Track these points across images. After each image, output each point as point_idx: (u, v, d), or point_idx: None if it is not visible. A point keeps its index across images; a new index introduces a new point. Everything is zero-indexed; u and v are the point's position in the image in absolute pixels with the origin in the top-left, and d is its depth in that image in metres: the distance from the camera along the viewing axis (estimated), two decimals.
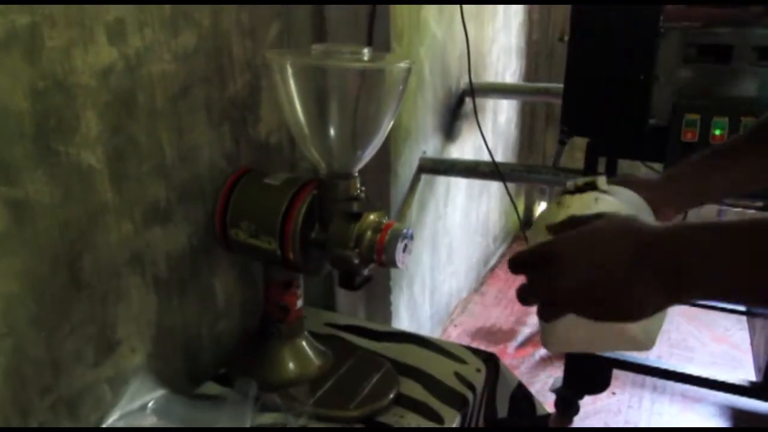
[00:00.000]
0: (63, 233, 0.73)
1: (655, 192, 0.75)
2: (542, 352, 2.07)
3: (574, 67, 1.44)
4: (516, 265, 0.59)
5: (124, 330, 0.83)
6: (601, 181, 0.73)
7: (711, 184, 0.76)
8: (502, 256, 2.74)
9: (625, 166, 1.89)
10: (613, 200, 0.70)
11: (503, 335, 2.20)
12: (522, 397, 1.08)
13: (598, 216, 0.60)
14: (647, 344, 0.65)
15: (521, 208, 2.98)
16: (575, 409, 1.81)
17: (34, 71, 0.68)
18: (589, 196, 0.71)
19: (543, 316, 0.60)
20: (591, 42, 1.43)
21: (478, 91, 1.86)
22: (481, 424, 1.04)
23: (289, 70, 0.78)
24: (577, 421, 1.81)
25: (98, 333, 0.80)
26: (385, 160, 1.48)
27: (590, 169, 1.55)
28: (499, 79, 2.36)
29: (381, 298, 1.57)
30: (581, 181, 0.74)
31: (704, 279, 0.50)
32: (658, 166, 1.62)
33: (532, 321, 2.25)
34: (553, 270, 0.55)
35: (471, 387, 0.97)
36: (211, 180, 0.92)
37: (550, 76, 2.75)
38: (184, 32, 0.86)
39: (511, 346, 2.15)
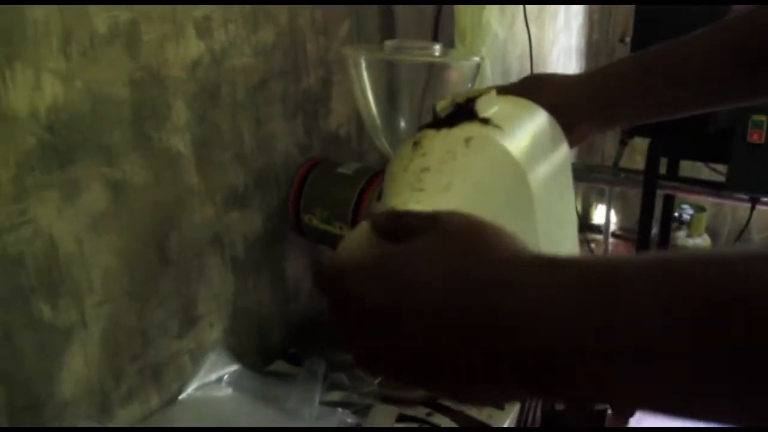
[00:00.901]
0: (154, 213, 0.79)
1: (571, 97, 0.60)
2: None
3: None
4: (314, 283, 0.42)
5: (204, 306, 0.89)
6: (484, 101, 0.53)
7: (654, 98, 0.60)
8: None
9: (686, 167, 1.88)
10: (496, 139, 0.50)
11: None
12: None
13: (437, 220, 0.39)
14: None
15: (578, 209, 2.96)
16: (631, 411, 1.80)
17: (133, 63, 0.74)
18: (459, 133, 0.50)
19: (359, 363, 0.41)
20: (654, 43, 1.43)
21: None
22: (538, 413, 1.06)
23: (363, 64, 0.83)
24: (634, 423, 1.80)
25: (181, 307, 0.85)
26: None
27: (651, 170, 1.55)
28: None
29: None
30: (448, 105, 0.53)
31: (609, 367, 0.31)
32: (721, 167, 1.61)
33: None
34: (355, 304, 0.38)
35: None
36: (285, 168, 0.97)
37: None
38: (263, 28, 0.91)
39: None
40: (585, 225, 2.93)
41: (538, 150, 0.54)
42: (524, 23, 1.56)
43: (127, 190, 0.75)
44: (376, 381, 0.92)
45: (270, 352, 1.01)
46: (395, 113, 0.87)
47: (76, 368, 0.74)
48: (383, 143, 0.87)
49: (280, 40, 0.94)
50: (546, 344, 0.32)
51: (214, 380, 0.91)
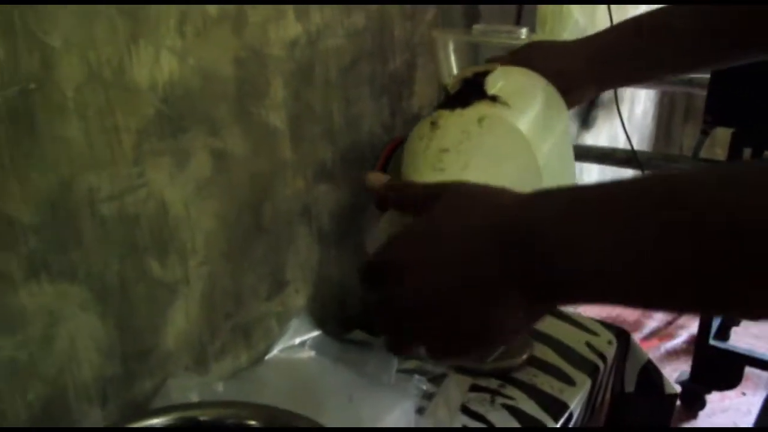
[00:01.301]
0: (251, 183, 0.85)
1: (569, 63, 0.63)
2: (668, 345, 2.04)
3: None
4: (364, 281, 0.46)
5: (292, 273, 0.95)
6: (493, 79, 0.56)
7: (651, 53, 0.63)
8: None
9: None
10: (507, 119, 0.54)
11: (629, 326, 2.18)
12: (651, 373, 1.11)
13: (450, 187, 0.44)
14: None
15: None
16: (701, 404, 1.78)
17: (239, 43, 0.79)
18: (472, 113, 0.55)
19: (391, 348, 0.46)
20: None
21: None
22: (608, 395, 1.08)
23: (451, 46, 0.86)
24: (703, 417, 1.78)
25: (271, 272, 0.91)
26: None
27: (734, 159, 1.53)
28: None
29: None
30: (457, 82, 0.57)
31: (592, 275, 0.37)
32: None
33: (658, 315, 2.22)
34: (391, 288, 0.43)
35: (602, 357, 1.01)
36: (370, 146, 1.02)
37: None
38: (355, 12, 0.96)
39: (636, 337, 2.13)
40: None
41: (543, 121, 0.58)
42: (607, 11, 1.55)
43: (228, 160, 0.81)
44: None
45: (349, 321, 1.07)
46: None
47: (179, 322, 0.81)
48: None
49: (370, 23, 0.98)
50: (561, 256, 0.37)
51: (297, 344, 0.97)
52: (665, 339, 2.08)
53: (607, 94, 1.96)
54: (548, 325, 1.08)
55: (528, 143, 0.55)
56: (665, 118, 2.81)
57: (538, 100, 0.59)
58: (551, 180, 0.58)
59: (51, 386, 0.69)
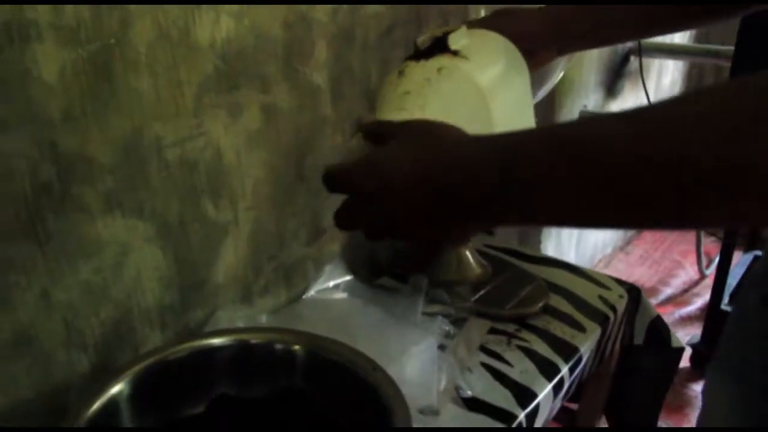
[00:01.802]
0: (296, 136, 0.93)
1: (532, 27, 0.69)
2: (683, 311, 2.11)
3: (748, 25, 1.46)
4: (326, 186, 0.56)
5: (328, 221, 1.03)
6: (456, 36, 0.64)
7: (606, 18, 0.69)
8: None
9: None
10: (462, 68, 0.62)
11: (644, 292, 2.25)
12: (659, 327, 1.18)
13: (406, 126, 0.55)
14: None
15: None
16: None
17: (287, 7, 0.87)
18: (433, 64, 0.62)
19: (367, 237, 0.56)
20: None
21: (645, 50, 1.90)
22: (617, 345, 1.16)
23: (482, 13, 0.93)
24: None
25: (310, 220, 1.00)
26: (549, 109, 1.59)
27: None
28: (668, 40, 2.35)
29: (532, 237, 1.70)
30: (428, 39, 0.65)
31: (527, 205, 0.45)
32: None
33: (675, 282, 2.28)
34: (356, 199, 0.54)
35: (613, 309, 1.09)
36: None
37: (723, 40, 2.68)
38: None
39: (652, 302, 2.20)
40: None
41: (502, 77, 0.66)
42: None
43: (276, 115, 0.89)
44: (472, 298, 1.05)
45: (379, 268, 1.15)
46: None
47: (228, 259, 0.90)
48: None
49: None
50: (480, 186, 0.46)
51: (331, 287, 1.06)
52: (680, 305, 2.14)
53: (634, 64, 2.00)
54: (565, 279, 1.15)
55: (482, 93, 0.63)
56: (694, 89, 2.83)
57: (498, 58, 0.66)
58: (505, 128, 0.66)
59: (120, 309, 0.79)
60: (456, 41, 0.63)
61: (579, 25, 0.71)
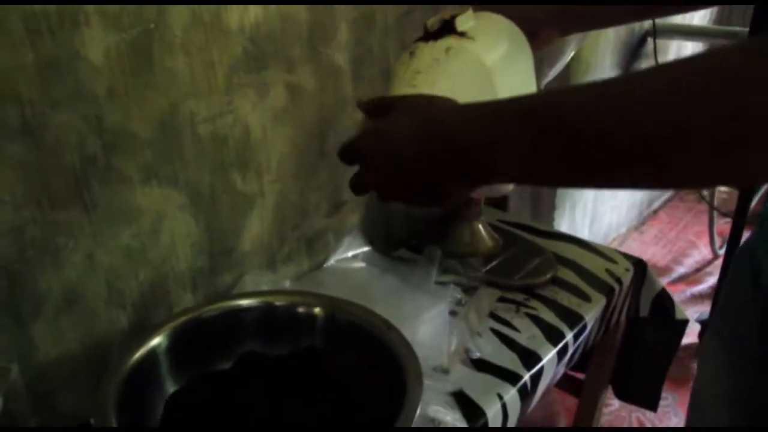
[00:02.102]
0: (318, 114, 0.99)
1: (534, 9, 0.73)
2: (694, 289, 2.15)
3: (763, 7, 1.48)
4: (341, 160, 0.63)
5: (348, 195, 1.09)
6: (463, 19, 0.68)
7: (597, 9, 0.73)
8: (668, 200, 2.78)
9: None
10: (470, 47, 0.67)
11: (657, 270, 2.29)
12: (664, 300, 1.23)
13: (403, 100, 0.61)
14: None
15: None
16: None
17: None
18: (442, 44, 0.67)
19: (380, 199, 0.62)
20: None
21: (662, 32, 1.92)
22: (623, 317, 1.21)
23: None
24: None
25: (331, 193, 1.06)
26: None
27: None
28: (687, 22, 2.37)
29: (545, 214, 1.75)
30: (437, 22, 0.69)
31: (507, 167, 0.51)
32: None
33: (688, 262, 2.32)
34: (365, 165, 0.60)
35: (618, 281, 1.14)
36: None
37: (744, 22, 2.68)
38: None
39: (664, 280, 2.24)
40: None
41: (507, 58, 0.71)
42: None
43: (300, 94, 0.95)
44: (483, 269, 1.11)
45: (395, 241, 1.22)
46: None
47: (255, 228, 0.97)
48: None
49: None
50: (461, 151, 0.52)
51: (350, 256, 1.13)
52: (692, 284, 2.18)
53: (650, 46, 2.03)
54: (573, 252, 1.21)
55: (488, 72, 0.68)
56: None
57: (503, 39, 0.70)
58: None
59: (156, 272, 0.86)
60: (463, 23, 0.68)
61: (579, 7, 0.75)
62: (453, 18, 0.70)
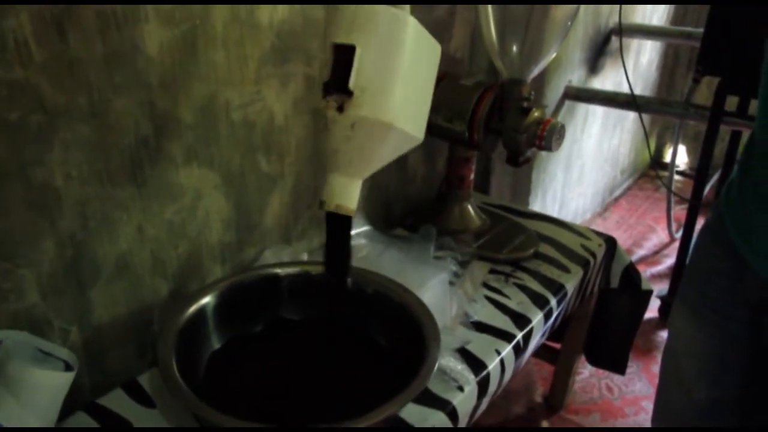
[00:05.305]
0: None
1: None
2: (653, 270, 2.32)
3: (717, 6, 1.63)
4: None
5: None
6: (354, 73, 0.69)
7: None
8: (628, 188, 2.95)
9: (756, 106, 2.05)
10: (368, 113, 0.68)
11: None
12: (631, 273, 1.37)
13: None
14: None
15: (652, 147, 3.14)
16: None
17: None
18: (346, 120, 0.69)
19: None
20: None
21: (624, 31, 2.07)
22: (596, 288, 1.35)
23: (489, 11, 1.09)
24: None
25: None
26: (540, 83, 1.76)
27: (718, 107, 1.75)
28: (646, 21, 2.53)
29: (522, 197, 1.89)
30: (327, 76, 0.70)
31: None
32: None
33: (648, 245, 2.49)
34: None
35: (593, 255, 1.28)
36: None
37: (697, 23, 2.86)
38: None
39: None
40: (656, 163, 3.12)
41: (401, 101, 0.70)
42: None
43: (316, 84, 1.05)
44: (475, 245, 1.23)
45: (393, 220, 1.33)
46: (510, 39, 1.13)
47: (275, 206, 1.07)
48: (498, 63, 1.14)
49: None
50: None
51: (353, 234, 1.23)
52: (652, 265, 2.35)
53: (615, 44, 2.18)
54: (552, 230, 1.34)
55: (391, 126, 0.68)
56: (669, 68, 3.02)
57: (395, 80, 0.69)
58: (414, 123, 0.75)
59: (192, 245, 0.96)
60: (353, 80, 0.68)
61: None
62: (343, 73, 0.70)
